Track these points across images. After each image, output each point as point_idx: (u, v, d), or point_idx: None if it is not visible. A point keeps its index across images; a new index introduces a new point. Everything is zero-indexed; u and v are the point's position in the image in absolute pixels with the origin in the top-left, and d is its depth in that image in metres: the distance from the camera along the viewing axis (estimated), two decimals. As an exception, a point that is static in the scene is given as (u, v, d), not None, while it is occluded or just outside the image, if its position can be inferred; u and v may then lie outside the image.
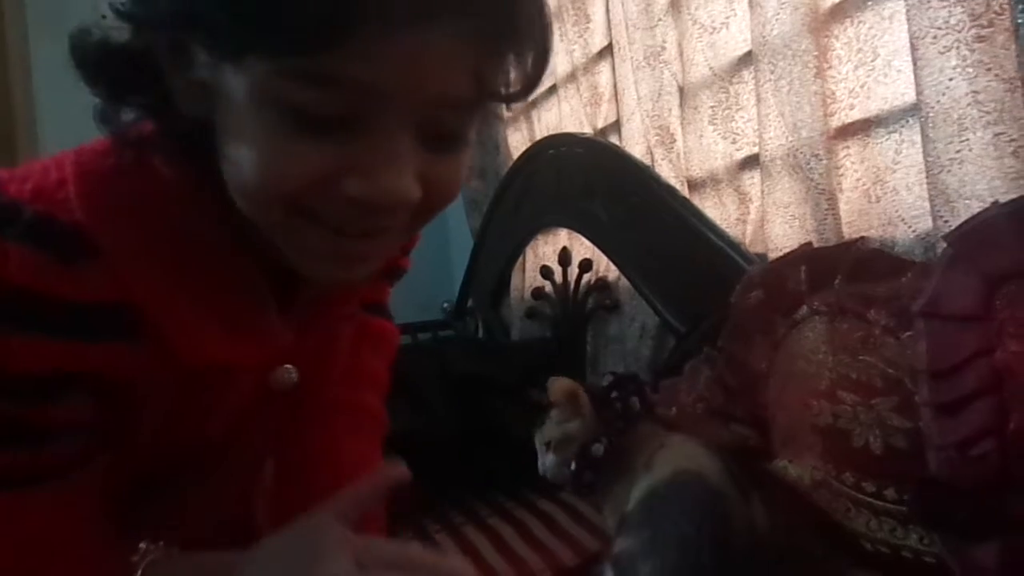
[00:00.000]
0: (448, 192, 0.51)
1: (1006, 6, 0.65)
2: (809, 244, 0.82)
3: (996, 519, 0.52)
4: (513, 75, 0.47)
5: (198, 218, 0.51)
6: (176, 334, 0.50)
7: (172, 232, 0.50)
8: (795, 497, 0.69)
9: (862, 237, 0.77)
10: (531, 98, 1.60)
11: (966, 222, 0.62)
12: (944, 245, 0.63)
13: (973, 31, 0.66)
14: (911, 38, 0.71)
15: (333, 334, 0.67)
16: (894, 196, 0.81)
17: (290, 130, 0.43)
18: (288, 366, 0.61)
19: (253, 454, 0.66)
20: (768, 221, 0.93)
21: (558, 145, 1.39)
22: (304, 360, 0.62)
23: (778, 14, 0.87)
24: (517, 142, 1.61)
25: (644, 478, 0.64)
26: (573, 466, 0.73)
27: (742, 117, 1.01)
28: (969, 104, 0.67)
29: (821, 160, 0.85)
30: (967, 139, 0.68)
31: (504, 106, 0.51)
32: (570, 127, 1.39)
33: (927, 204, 0.74)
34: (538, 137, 1.50)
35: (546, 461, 0.77)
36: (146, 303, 0.48)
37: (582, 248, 1.36)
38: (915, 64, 0.71)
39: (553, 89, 1.45)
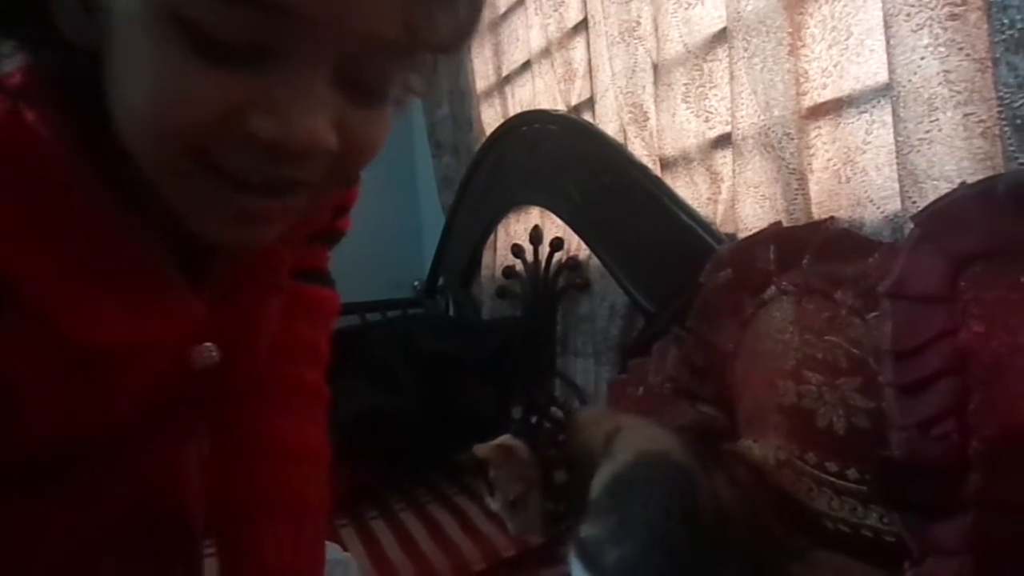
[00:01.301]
0: (367, 151, 0.46)
1: (979, -16, 0.64)
2: (778, 223, 0.81)
3: (955, 498, 0.52)
4: (444, 24, 0.42)
5: (83, 180, 0.44)
6: (60, 312, 0.44)
7: (51, 197, 0.44)
8: (759, 477, 0.69)
9: (831, 217, 0.77)
10: (504, 74, 1.57)
11: (934, 203, 0.62)
12: (912, 226, 0.63)
13: (946, 9, 0.65)
14: (884, 15, 0.70)
15: (258, 308, 0.60)
16: (863, 177, 0.80)
17: (189, 54, 0.37)
18: (208, 344, 0.56)
19: (176, 438, 0.61)
20: (739, 201, 0.92)
21: (531, 122, 1.37)
22: (226, 337, 0.57)
23: (753, -10, 0.85)
24: (490, 118, 1.59)
25: (606, 465, 0.63)
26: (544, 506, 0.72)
27: (715, 95, 1.00)
28: (940, 83, 0.67)
29: (792, 139, 0.84)
30: (937, 119, 0.67)
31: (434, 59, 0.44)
32: (544, 104, 1.37)
33: (896, 185, 0.73)
34: (511, 113, 1.48)
35: (516, 521, 0.74)
36: (20, 278, 0.42)
37: (554, 226, 1.34)
38: (888, 42, 0.70)
39: (527, 65, 1.42)
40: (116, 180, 0.44)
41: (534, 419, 0.74)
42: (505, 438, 0.75)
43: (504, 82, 1.53)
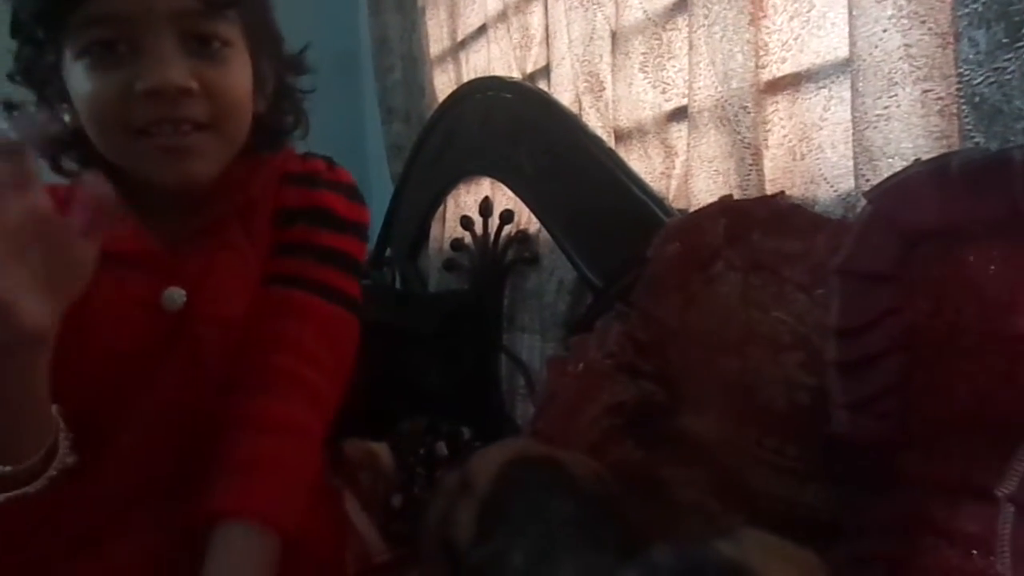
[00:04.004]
0: (227, 95, 0.68)
1: (944, -45, 0.63)
2: (729, 196, 0.79)
3: (893, 476, 0.51)
4: None
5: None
6: None
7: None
8: (697, 454, 0.67)
9: (781, 192, 0.75)
10: (460, 38, 1.53)
11: (887, 179, 0.60)
12: (864, 203, 0.62)
13: (911, -21, 0.63)
14: (849, -16, 0.68)
15: (217, 260, 0.73)
16: (819, 154, 0.79)
17: (98, 69, 0.65)
18: (175, 288, 0.70)
19: (154, 378, 0.69)
20: (692, 176, 0.90)
21: (485, 89, 1.33)
22: (191, 283, 0.70)
23: (717, -45, 0.83)
24: (444, 84, 1.54)
25: (466, 500, 0.59)
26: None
27: (673, 66, 0.98)
28: (901, 58, 0.65)
29: (749, 113, 0.82)
30: (896, 95, 0.66)
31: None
32: (499, 70, 1.33)
33: (851, 164, 0.72)
34: (465, 80, 1.44)
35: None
36: None
37: (504, 198, 1.31)
38: (850, 12, 0.68)
39: (483, 30, 1.38)
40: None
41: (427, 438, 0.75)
42: (379, 446, 0.75)
43: (459, 47, 1.49)
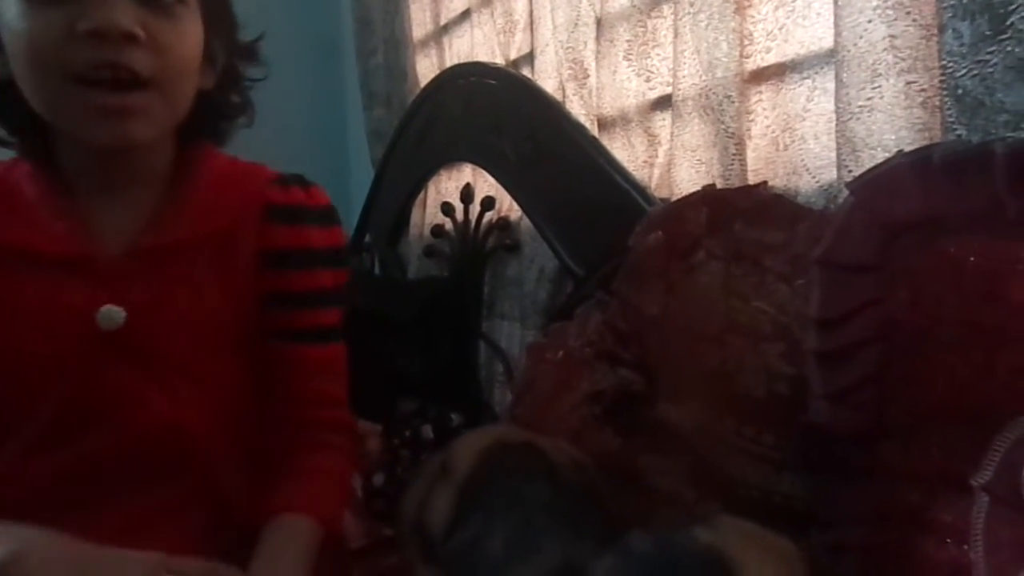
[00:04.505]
0: (174, 48, 0.64)
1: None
2: (712, 186, 0.79)
3: (869, 466, 0.51)
4: None
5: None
6: None
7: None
8: (675, 442, 0.67)
9: (764, 182, 0.75)
10: (443, 23, 1.51)
11: (869, 171, 0.60)
12: (847, 193, 0.62)
13: (897, -30, 0.63)
14: (835, -25, 0.68)
15: (173, 284, 0.69)
16: (801, 145, 0.79)
17: (38, 5, 0.60)
18: (113, 306, 0.65)
19: (82, 398, 0.66)
20: (675, 165, 0.90)
21: (468, 75, 1.31)
22: (134, 304, 0.66)
23: (703, -57, 0.82)
24: (426, 69, 1.52)
25: (443, 485, 0.60)
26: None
27: (658, 55, 0.97)
28: (885, 49, 0.65)
29: (733, 103, 0.82)
30: (879, 86, 0.66)
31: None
32: (482, 56, 1.32)
33: (833, 155, 0.72)
34: (448, 65, 1.42)
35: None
36: None
37: (486, 185, 1.30)
38: (836, 3, 0.68)
39: (467, 14, 1.37)
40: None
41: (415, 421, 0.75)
42: (368, 425, 0.75)
43: (442, 31, 1.47)
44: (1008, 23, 0.56)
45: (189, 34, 0.67)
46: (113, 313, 0.64)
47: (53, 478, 0.65)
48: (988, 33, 0.57)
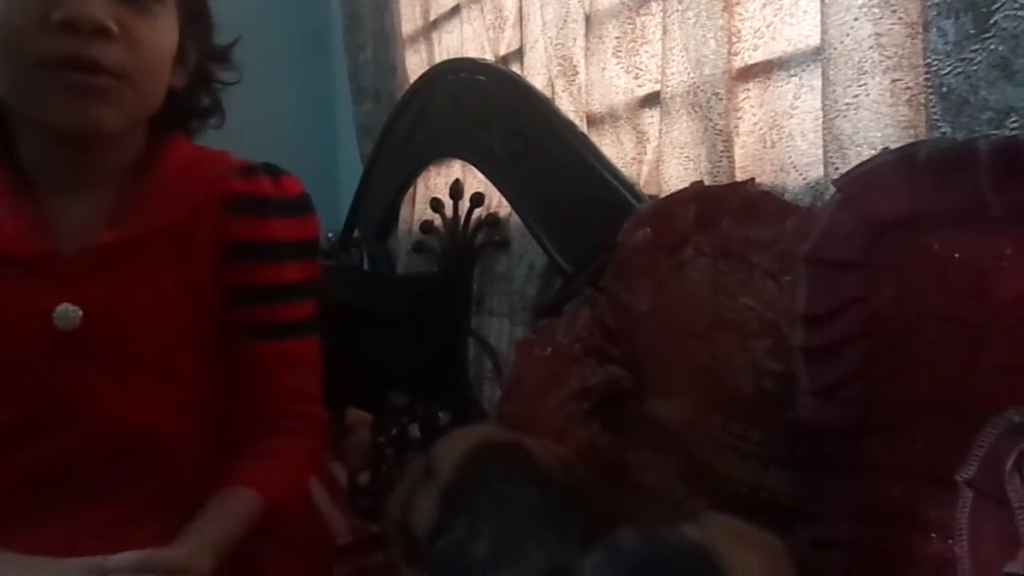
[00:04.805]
0: (147, 45, 0.64)
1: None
2: (700, 183, 0.79)
3: (854, 461, 0.52)
4: None
5: None
6: None
7: None
8: (663, 438, 0.67)
9: (751, 179, 0.75)
10: (432, 18, 1.51)
11: (855, 168, 0.61)
12: (833, 190, 0.62)
13: (883, -32, 0.64)
14: (822, -28, 0.68)
15: (134, 281, 0.67)
16: (789, 142, 0.79)
17: None
18: (70, 305, 0.63)
19: (44, 399, 0.65)
20: (664, 162, 0.90)
21: (458, 70, 1.31)
22: (92, 302, 0.64)
23: (691, -60, 0.82)
24: (415, 65, 1.52)
25: (428, 486, 0.59)
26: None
27: (647, 52, 0.97)
28: (871, 47, 0.65)
29: (721, 100, 0.82)
30: (865, 83, 0.66)
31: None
32: (472, 52, 1.32)
33: (820, 152, 0.72)
34: (437, 60, 1.42)
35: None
36: None
37: (475, 181, 1.30)
38: (822, 1, 0.68)
39: (456, 10, 1.36)
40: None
41: (404, 418, 0.75)
42: (360, 414, 0.75)
43: (431, 27, 1.46)
44: (992, 22, 0.56)
45: (163, 32, 0.67)
46: (70, 312, 0.63)
47: (19, 480, 0.64)
48: (972, 32, 0.58)
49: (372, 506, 0.82)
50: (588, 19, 1.03)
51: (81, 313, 0.63)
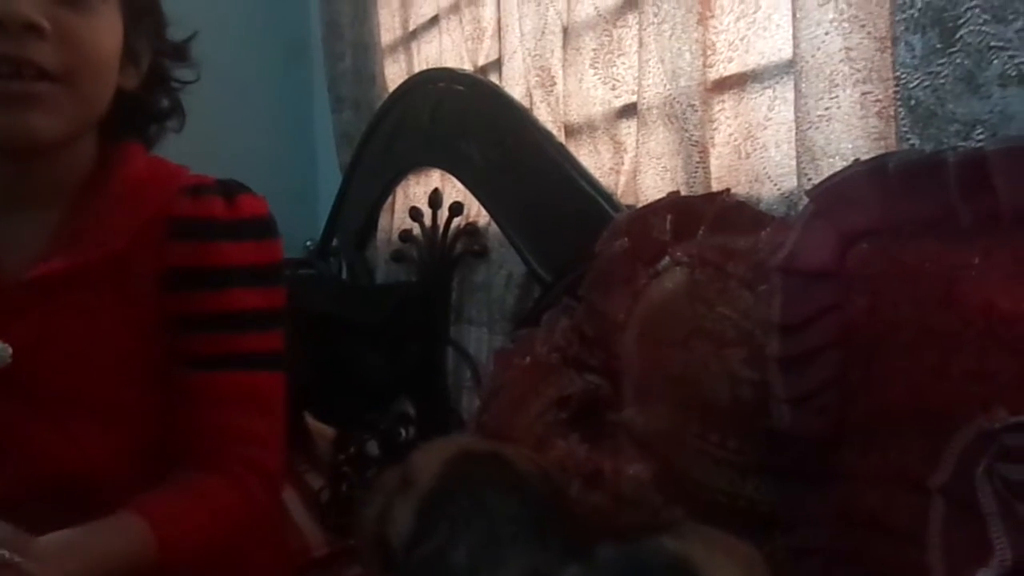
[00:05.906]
0: (85, 43, 0.60)
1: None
2: (677, 193, 0.80)
3: (830, 469, 0.52)
4: None
5: None
6: None
7: None
8: (641, 447, 0.68)
9: (727, 189, 0.76)
10: (411, 28, 1.51)
11: (828, 179, 0.62)
12: (806, 201, 0.63)
13: (853, -17, 0.65)
14: (793, -13, 0.69)
15: (68, 317, 0.63)
16: (763, 153, 0.80)
17: None
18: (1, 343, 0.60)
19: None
20: (640, 172, 0.91)
21: (437, 80, 1.31)
22: (24, 339, 0.61)
23: (666, -47, 0.83)
24: (394, 74, 1.52)
25: (405, 496, 0.59)
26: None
27: (623, 63, 0.98)
28: (841, 60, 0.67)
29: (697, 111, 0.83)
30: (836, 96, 0.67)
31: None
32: (451, 62, 1.32)
33: (793, 163, 0.74)
34: (417, 70, 1.42)
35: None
36: None
37: (454, 190, 1.30)
38: (794, 16, 0.70)
39: (435, 20, 1.37)
40: None
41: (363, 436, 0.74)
42: (322, 428, 0.74)
43: (410, 37, 1.47)
44: (957, 37, 0.57)
45: (105, 29, 0.62)
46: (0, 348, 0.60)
47: None
48: (939, 46, 0.59)
49: (337, 523, 0.80)
50: (566, 31, 1.04)
51: (11, 351, 0.60)
